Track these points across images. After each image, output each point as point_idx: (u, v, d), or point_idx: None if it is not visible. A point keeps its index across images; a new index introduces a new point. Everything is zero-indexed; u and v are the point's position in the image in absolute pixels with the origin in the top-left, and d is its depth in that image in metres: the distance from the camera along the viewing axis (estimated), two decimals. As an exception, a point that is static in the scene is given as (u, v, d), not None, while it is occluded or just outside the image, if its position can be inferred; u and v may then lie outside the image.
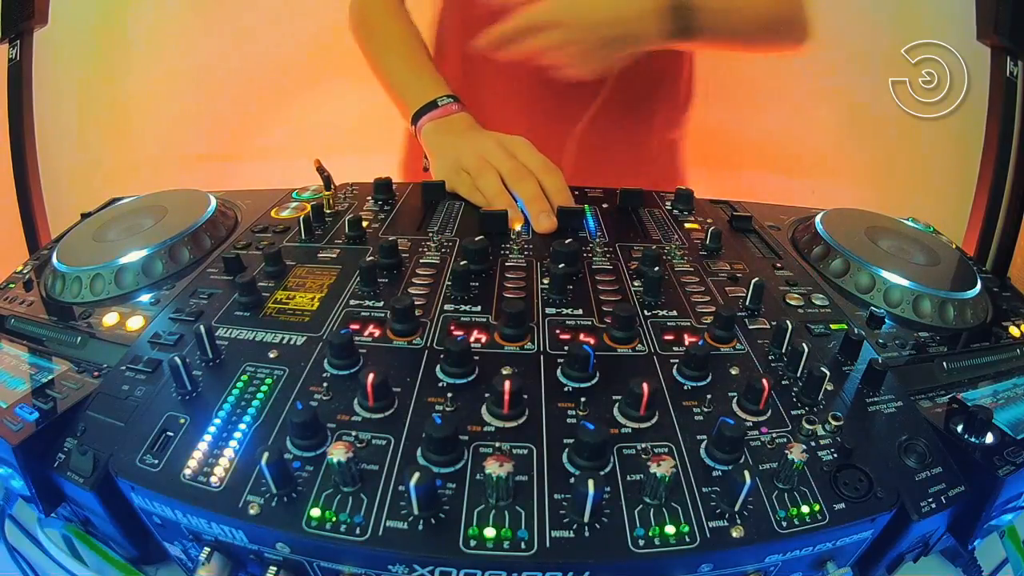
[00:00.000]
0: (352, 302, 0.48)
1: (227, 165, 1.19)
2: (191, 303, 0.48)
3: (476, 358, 0.41)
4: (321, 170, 0.65)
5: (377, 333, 0.44)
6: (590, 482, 0.30)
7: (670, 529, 0.32)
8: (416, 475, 0.30)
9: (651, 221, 0.64)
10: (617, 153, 0.89)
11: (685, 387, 0.40)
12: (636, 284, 0.51)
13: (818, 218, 0.62)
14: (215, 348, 0.42)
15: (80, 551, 0.43)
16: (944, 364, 0.47)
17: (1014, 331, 0.53)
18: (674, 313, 0.48)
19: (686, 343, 0.44)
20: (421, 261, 0.54)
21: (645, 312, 0.48)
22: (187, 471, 0.34)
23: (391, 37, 0.84)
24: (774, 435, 0.38)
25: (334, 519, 0.32)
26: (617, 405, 0.38)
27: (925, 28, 0.94)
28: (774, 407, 0.39)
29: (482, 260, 0.52)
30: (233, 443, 0.36)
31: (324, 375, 0.40)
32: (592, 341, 0.43)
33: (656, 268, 0.50)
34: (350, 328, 0.44)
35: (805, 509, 0.34)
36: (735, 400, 0.39)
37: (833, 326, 0.48)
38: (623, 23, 0.68)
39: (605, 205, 0.66)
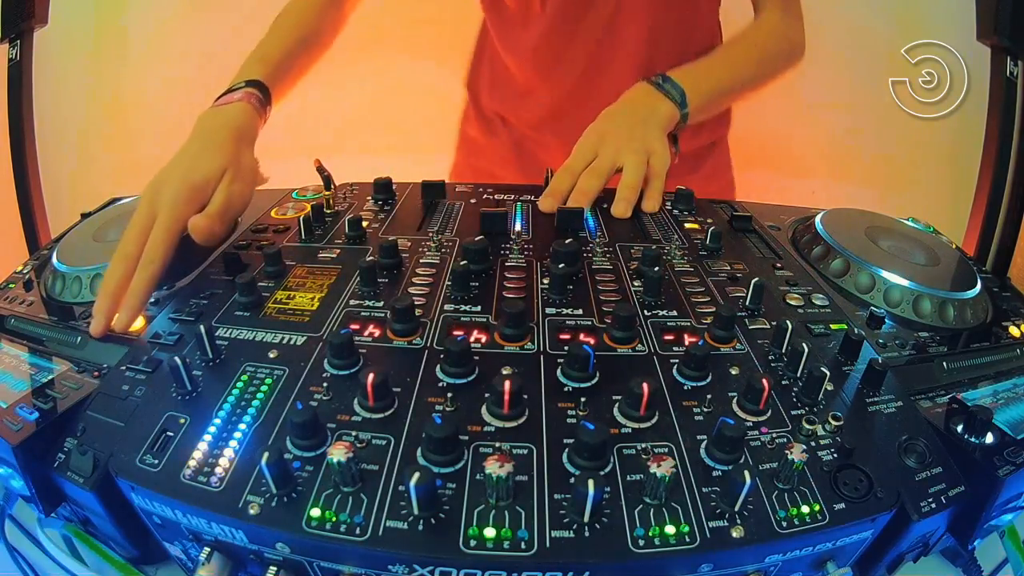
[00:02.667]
0: (352, 302, 0.48)
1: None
2: (191, 303, 0.48)
3: (476, 358, 0.41)
4: (321, 170, 0.65)
5: (377, 333, 0.44)
6: (590, 482, 0.30)
7: (670, 529, 0.32)
8: (416, 475, 0.30)
9: (651, 221, 0.64)
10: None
11: (685, 387, 0.40)
12: (636, 284, 0.51)
13: (818, 218, 0.62)
14: (215, 348, 0.42)
15: (80, 551, 0.43)
16: (944, 364, 0.47)
17: (1014, 331, 0.53)
18: (674, 313, 0.48)
19: (686, 343, 0.44)
20: (421, 261, 0.54)
21: (645, 312, 0.48)
22: (187, 471, 0.34)
23: (281, 18, 0.75)
24: (774, 435, 0.37)
25: (334, 519, 0.32)
26: (617, 405, 0.38)
27: (925, 28, 0.94)
28: (774, 407, 0.39)
29: (482, 260, 0.52)
30: (233, 443, 0.36)
31: (324, 375, 0.40)
32: (592, 341, 0.43)
33: (656, 268, 0.50)
34: (350, 328, 0.44)
35: (805, 509, 0.34)
36: (735, 400, 0.39)
37: (833, 326, 0.48)
38: None
39: (605, 205, 0.66)
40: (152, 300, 0.50)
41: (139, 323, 0.47)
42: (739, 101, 0.85)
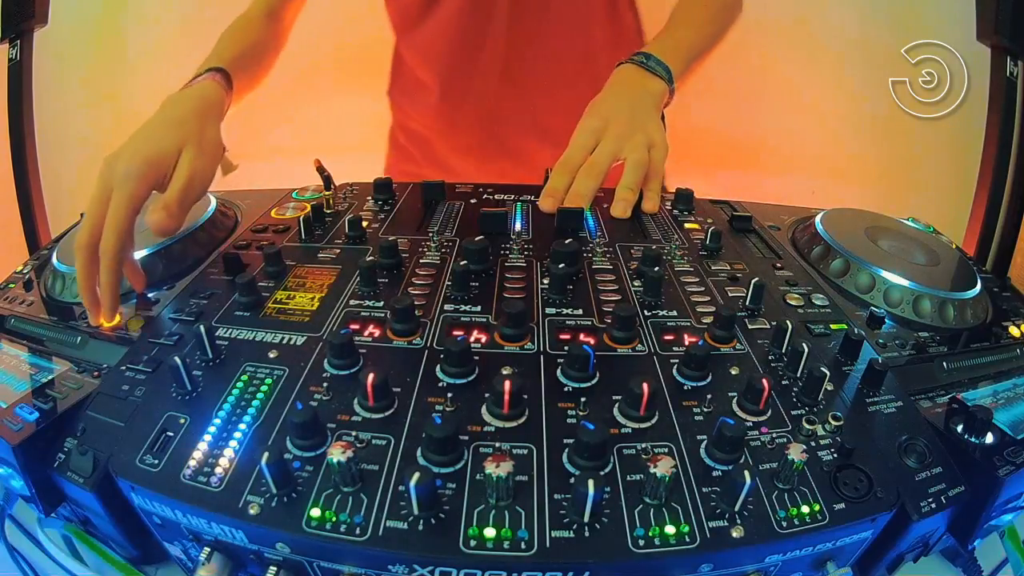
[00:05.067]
0: (352, 302, 0.48)
1: (227, 165, 1.19)
2: (191, 303, 0.48)
3: (476, 358, 0.41)
4: (321, 170, 0.66)
5: (377, 333, 0.44)
6: (590, 482, 0.30)
7: (670, 529, 0.32)
8: (416, 475, 0.30)
9: (651, 221, 0.64)
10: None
11: (685, 387, 0.40)
12: (636, 284, 0.51)
13: (818, 218, 0.62)
14: (215, 348, 0.42)
15: (80, 551, 0.43)
16: (944, 364, 0.47)
17: (1014, 331, 0.53)
18: (674, 313, 0.48)
19: (686, 343, 0.44)
20: (421, 261, 0.54)
21: (645, 312, 0.48)
22: (187, 471, 0.34)
23: (226, 32, 0.76)
24: (774, 435, 0.37)
25: (334, 519, 0.32)
26: (617, 405, 0.38)
27: (925, 28, 0.94)
28: (774, 407, 0.39)
29: (482, 260, 0.52)
30: (233, 443, 0.36)
31: (324, 375, 0.40)
32: (592, 341, 0.43)
33: (656, 268, 0.50)
34: (350, 328, 0.44)
35: (805, 509, 0.34)
36: (735, 400, 0.39)
37: (833, 326, 0.48)
38: None
39: (605, 205, 0.66)
40: (152, 300, 0.50)
41: (139, 322, 0.47)
42: (701, 64, 0.85)
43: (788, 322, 0.44)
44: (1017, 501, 0.41)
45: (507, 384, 0.36)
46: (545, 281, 0.51)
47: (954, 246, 0.66)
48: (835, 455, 0.37)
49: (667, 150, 0.67)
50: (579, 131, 0.67)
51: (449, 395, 0.38)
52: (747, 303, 0.49)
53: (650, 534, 0.32)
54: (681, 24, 0.78)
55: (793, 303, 0.51)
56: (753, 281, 0.48)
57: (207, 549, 0.35)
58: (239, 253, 0.54)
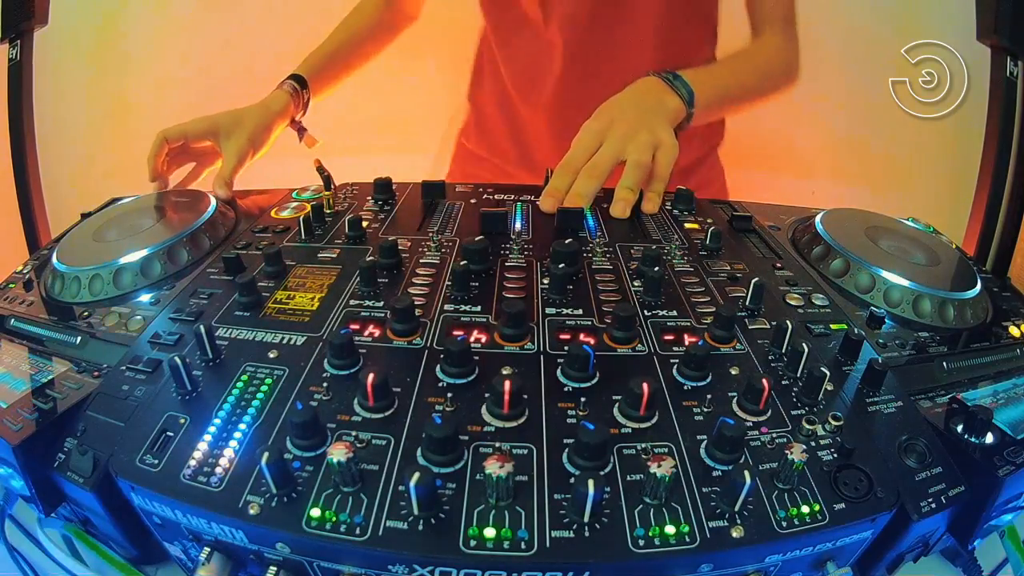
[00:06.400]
0: (352, 302, 0.48)
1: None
2: (191, 303, 0.48)
3: (476, 358, 0.41)
4: (321, 170, 0.66)
5: (377, 333, 0.44)
6: (590, 482, 0.30)
7: (670, 529, 0.32)
8: (416, 475, 0.30)
9: (651, 221, 0.64)
10: None
11: (685, 387, 0.40)
12: (636, 284, 0.51)
13: (818, 218, 0.62)
14: (215, 348, 0.42)
15: (80, 551, 0.43)
16: (944, 364, 0.47)
17: (1014, 331, 0.53)
18: (674, 313, 0.48)
19: (686, 343, 0.44)
20: (421, 261, 0.54)
21: (645, 312, 0.48)
22: (187, 471, 0.34)
23: (346, 19, 0.91)
24: (774, 435, 0.37)
25: (334, 519, 0.32)
26: (617, 405, 0.38)
27: (925, 28, 0.94)
28: (774, 407, 0.39)
29: (482, 260, 0.52)
30: (233, 443, 0.36)
31: (324, 375, 0.40)
32: (592, 341, 0.43)
33: (656, 268, 0.50)
34: (350, 328, 0.44)
35: (805, 509, 0.34)
36: (735, 400, 0.39)
37: (833, 326, 0.48)
38: None
39: (605, 205, 0.66)
40: (152, 300, 0.50)
41: (139, 322, 0.47)
42: (734, 113, 0.86)
43: (788, 322, 0.44)
44: (1017, 501, 0.41)
45: (507, 384, 0.36)
46: (545, 281, 0.51)
47: (954, 246, 0.66)
48: (835, 455, 0.37)
49: (675, 152, 0.66)
50: (583, 132, 0.67)
51: (449, 395, 0.38)
52: (747, 303, 0.49)
53: (650, 534, 0.32)
54: (724, 66, 0.80)
55: (793, 303, 0.51)
56: (753, 281, 0.48)
57: (207, 549, 0.35)
58: (239, 253, 0.54)
